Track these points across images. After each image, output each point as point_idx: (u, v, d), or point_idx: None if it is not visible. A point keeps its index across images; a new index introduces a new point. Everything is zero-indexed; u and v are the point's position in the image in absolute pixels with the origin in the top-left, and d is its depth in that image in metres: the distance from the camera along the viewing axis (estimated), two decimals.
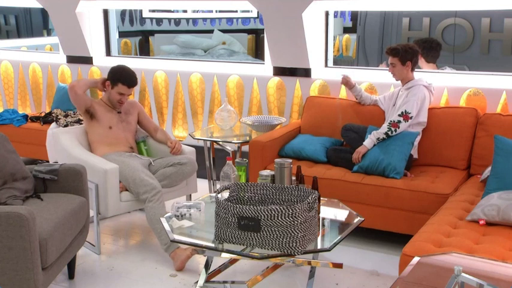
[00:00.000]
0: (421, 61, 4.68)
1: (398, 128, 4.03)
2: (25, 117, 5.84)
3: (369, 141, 4.06)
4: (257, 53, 8.75)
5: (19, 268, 2.81)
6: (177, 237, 3.07)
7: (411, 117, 4.05)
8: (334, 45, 6.74)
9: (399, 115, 4.05)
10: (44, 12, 7.82)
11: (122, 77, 4.13)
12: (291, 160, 3.46)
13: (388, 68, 4.24)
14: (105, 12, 6.02)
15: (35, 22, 8.93)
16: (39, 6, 6.09)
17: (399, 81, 4.28)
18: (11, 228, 2.77)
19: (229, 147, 4.73)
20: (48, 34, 8.63)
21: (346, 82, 4.48)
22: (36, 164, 3.60)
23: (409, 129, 4.09)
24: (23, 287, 2.85)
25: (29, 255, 2.81)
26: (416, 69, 4.26)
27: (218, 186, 3.73)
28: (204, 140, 4.74)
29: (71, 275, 3.52)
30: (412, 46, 4.23)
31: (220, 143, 4.71)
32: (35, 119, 5.78)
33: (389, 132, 4.03)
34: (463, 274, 2.16)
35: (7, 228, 2.77)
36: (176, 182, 4.11)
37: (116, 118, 4.22)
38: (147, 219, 3.79)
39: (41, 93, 6.41)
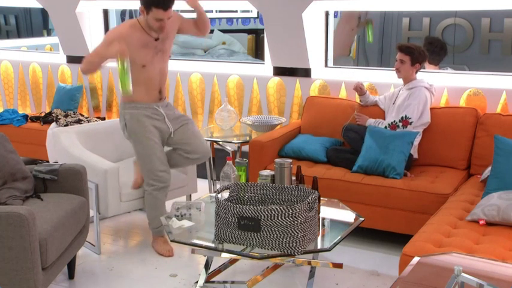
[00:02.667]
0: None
1: (396, 130, 4.08)
2: (25, 117, 5.85)
3: (372, 121, 4.24)
4: (257, 53, 8.73)
5: (19, 268, 2.81)
6: (177, 237, 3.07)
7: (411, 123, 4.07)
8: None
9: (399, 120, 4.08)
10: (44, 12, 7.82)
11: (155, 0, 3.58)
12: (290, 160, 3.47)
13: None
14: (105, 12, 6.03)
15: (35, 22, 8.94)
16: (39, 6, 6.10)
17: (400, 81, 4.30)
18: (11, 228, 2.77)
19: (229, 147, 4.73)
20: (48, 34, 8.63)
21: (360, 89, 4.48)
22: (36, 164, 3.60)
23: (410, 128, 4.10)
24: (23, 287, 2.85)
25: (29, 255, 2.81)
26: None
27: (218, 186, 3.74)
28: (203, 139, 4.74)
29: (71, 275, 3.52)
30: (424, 50, 4.25)
31: (220, 143, 4.71)
32: (35, 119, 5.79)
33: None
34: (463, 274, 2.16)
35: (7, 228, 2.77)
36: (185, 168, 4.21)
37: (151, 52, 3.72)
38: (145, 201, 3.86)
39: (41, 93, 6.42)
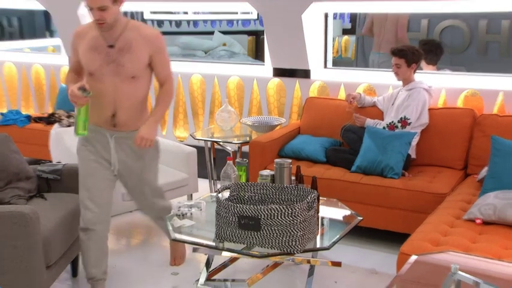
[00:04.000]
0: (422, 62, 4.71)
1: (394, 131, 4.09)
2: (28, 117, 5.85)
3: (371, 122, 4.23)
4: (257, 54, 8.76)
5: (23, 267, 2.82)
6: (178, 236, 3.09)
7: (409, 124, 4.09)
8: (333, 46, 6.76)
9: (399, 120, 4.10)
10: (46, 14, 7.84)
11: None
12: (290, 160, 3.48)
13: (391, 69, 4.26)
14: None
15: (37, 24, 8.96)
16: (42, 8, 6.11)
17: (398, 82, 4.31)
18: (15, 228, 2.78)
19: (229, 148, 4.74)
20: (51, 36, 8.65)
21: (352, 100, 4.45)
22: (39, 164, 3.61)
23: (409, 129, 4.12)
24: (27, 285, 2.86)
25: (32, 254, 2.82)
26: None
27: (219, 186, 3.74)
28: (204, 140, 4.76)
29: (75, 273, 3.53)
30: (418, 49, 4.28)
31: (221, 143, 4.72)
32: (38, 119, 5.80)
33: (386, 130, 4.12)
34: (459, 272, 2.17)
35: (11, 227, 2.78)
36: None
37: (100, 59, 2.98)
38: None
39: (44, 94, 6.43)
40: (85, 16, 5.81)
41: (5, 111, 6.44)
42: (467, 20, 6.41)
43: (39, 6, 6.09)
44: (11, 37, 8.82)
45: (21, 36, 8.85)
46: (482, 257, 2.57)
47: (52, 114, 5.75)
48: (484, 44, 6.36)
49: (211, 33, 8.92)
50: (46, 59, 6.59)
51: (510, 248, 2.83)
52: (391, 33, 6.06)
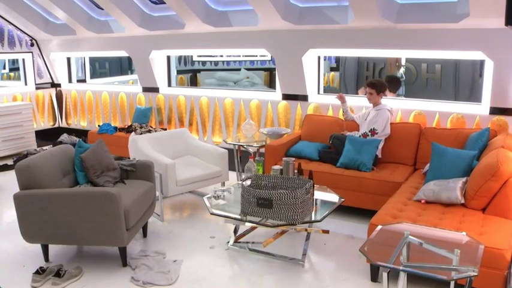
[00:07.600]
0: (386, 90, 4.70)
1: (366, 138, 4.07)
2: (115, 128, 5.93)
3: (350, 134, 4.18)
4: (271, 84, 8.75)
5: (112, 229, 2.88)
6: (215, 211, 3.10)
7: (377, 133, 4.07)
8: (324, 79, 6.74)
9: (369, 130, 4.08)
10: (129, 58, 7.95)
11: None
12: (294, 158, 3.47)
13: (362, 95, 4.25)
14: (168, 58, 6.09)
15: (123, 65, 9.11)
16: (127, 55, 6.19)
17: (368, 104, 4.29)
18: (107, 203, 2.84)
19: (251, 149, 4.74)
20: (132, 73, 8.77)
21: (341, 97, 4.48)
22: (121, 160, 3.65)
23: (376, 137, 4.10)
24: (115, 242, 2.92)
25: (117, 220, 2.87)
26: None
27: (243, 176, 3.76)
28: (233, 144, 4.76)
29: (145, 234, 3.57)
30: (383, 82, 4.26)
31: (245, 146, 4.72)
32: (121, 129, 5.87)
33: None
34: (410, 236, 2.18)
35: (104, 203, 2.85)
36: None
37: None
38: None
39: (125, 112, 6.49)
40: (153, 60, 5.89)
41: (101, 123, 6.54)
42: (413, 62, 6.40)
43: (126, 54, 6.16)
44: (102, 75, 8.95)
45: (111, 74, 8.97)
46: (424, 226, 2.57)
47: (130, 126, 5.82)
48: (425, 80, 6.34)
49: (239, 69, 8.93)
50: (127, 88, 6.62)
51: (443, 219, 2.82)
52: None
